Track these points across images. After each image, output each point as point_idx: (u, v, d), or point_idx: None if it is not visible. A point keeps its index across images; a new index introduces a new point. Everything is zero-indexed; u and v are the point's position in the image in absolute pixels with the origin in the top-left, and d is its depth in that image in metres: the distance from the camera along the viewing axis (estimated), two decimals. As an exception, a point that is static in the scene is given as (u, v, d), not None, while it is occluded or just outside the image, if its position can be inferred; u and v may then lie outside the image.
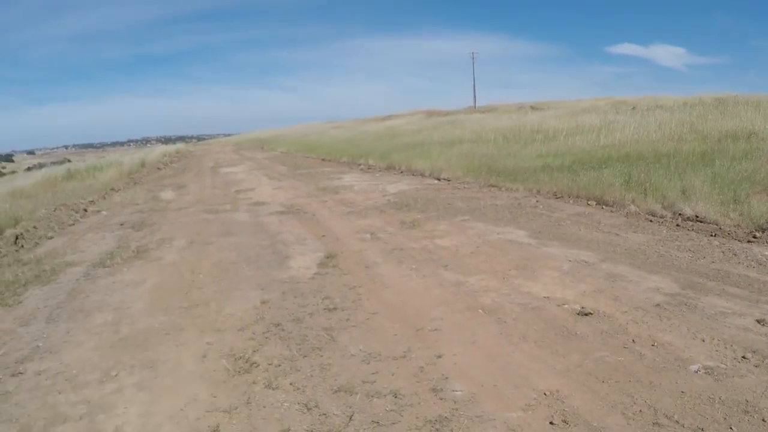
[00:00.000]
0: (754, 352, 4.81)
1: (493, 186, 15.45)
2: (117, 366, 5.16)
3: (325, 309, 6.30)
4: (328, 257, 8.51)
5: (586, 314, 5.78)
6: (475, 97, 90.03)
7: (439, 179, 17.91)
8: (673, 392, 4.21)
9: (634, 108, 33.92)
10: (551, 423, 3.88)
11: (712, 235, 8.62)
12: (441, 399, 4.27)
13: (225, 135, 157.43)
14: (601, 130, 22.40)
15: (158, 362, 5.21)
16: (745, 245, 8.01)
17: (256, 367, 4.96)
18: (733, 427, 3.75)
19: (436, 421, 3.96)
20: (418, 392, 4.38)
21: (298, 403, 4.31)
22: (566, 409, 4.05)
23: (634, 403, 4.10)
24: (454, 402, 4.22)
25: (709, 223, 9.23)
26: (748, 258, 7.38)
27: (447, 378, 4.59)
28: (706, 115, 22.69)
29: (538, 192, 13.68)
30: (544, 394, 4.28)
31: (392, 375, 4.69)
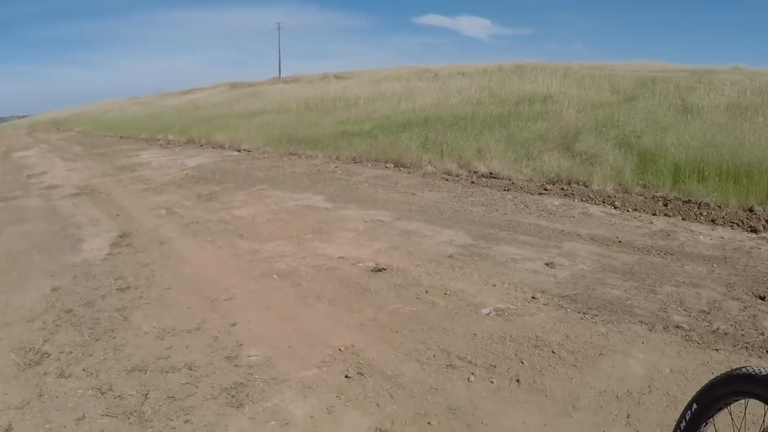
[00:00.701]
0: (543, 292, 5.41)
1: (293, 154, 15.91)
2: None
3: (117, 289, 6.16)
4: (121, 236, 8.32)
5: (379, 270, 6.12)
6: (280, 67, 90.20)
7: (239, 150, 18.37)
8: (465, 335, 4.60)
9: (436, 75, 35.51)
10: (347, 376, 4.09)
11: (505, 190, 9.46)
12: (236, 366, 4.34)
13: (19, 117, 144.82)
14: (402, 97, 23.44)
15: (-55, 369, 4.82)
16: (537, 197, 8.90)
17: (48, 357, 4.74)
18: (524, 361, 4.18)
19: (231, 388, 4.02)
20: (213, 362, 4.42)
21: (92, 389, 4.19)
22: (361, 362, 4.29)
23: (428, 349, 4.43)
24: (249, 367, 4.31)
25: (503, 179, 10.14)
26: (539, 208, 8.21)
27: (242, 345, 4.67)
28: (506, 80, 24.42)
29: (338, 158, 14.24)
30: (339, 349, 4.49)
31: (186, 348, 4.69)
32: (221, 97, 45.87)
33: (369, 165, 12.87)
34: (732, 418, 2.58)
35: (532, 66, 32.19)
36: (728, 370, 2.54)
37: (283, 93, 37.52)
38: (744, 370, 2.42)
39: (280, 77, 70.77)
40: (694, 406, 2.58)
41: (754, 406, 2.35)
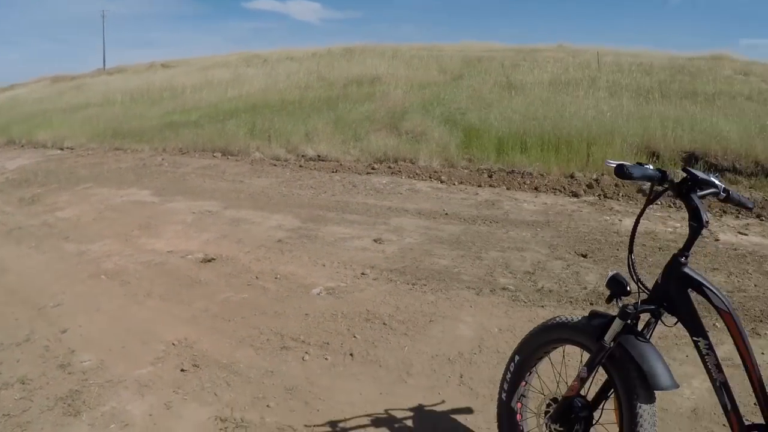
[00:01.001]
0: (373, 267, 5.65)
1: (118, 149, 15.42)
2: None
3: (-62, 309, 5.79)
4: (-61, 253, 7.76)
5: (209, 260, 6.11)
6: (104, 58, 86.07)
7: (62, 149, 17.42)
8: (297, 317, 4.71)
9: (265, 61, 35.30)
10: (182, 370, 4.07)
11: (333, 172, 9.68)
12: (69, 374, 4.21)
13: None
14: (230, 84, 23.23)
15: None
16: (365, 177, 9.18)
17: None
18: (356, 336, 4.35)
19: (67, 396, 3.90)
20: (46, 372, 4.26)
21: (-75, 419, 3.95)
22: (196, 354, 4.28)
23: (261, 333, 4.49)
24: (83, 373, 4.19)
25: (331, 161, 10.39)
26: (367, 187, 8.48)
27: (74, 351, 4.52)
28: (334, 63, 24.72)
29: (164, 150, 13.96)
30: (173, 344, 4.46)
31: (17, 362, 4.48)
32: (43, 93, 43.49)
33: (196, 155, 12.71)
34: (552, 364, 2.83)
35: (360, 48, 32.67)
36: (543, 321, 2.78)
37: (107, 85, 36.12)
38: (558, 319, 2.67)
39: (104, 68, 68.01)
40: (517, 357, 2.81)
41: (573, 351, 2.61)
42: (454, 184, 8.85)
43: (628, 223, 7.15)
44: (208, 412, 3.53)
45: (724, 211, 7.68)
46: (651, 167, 2.29)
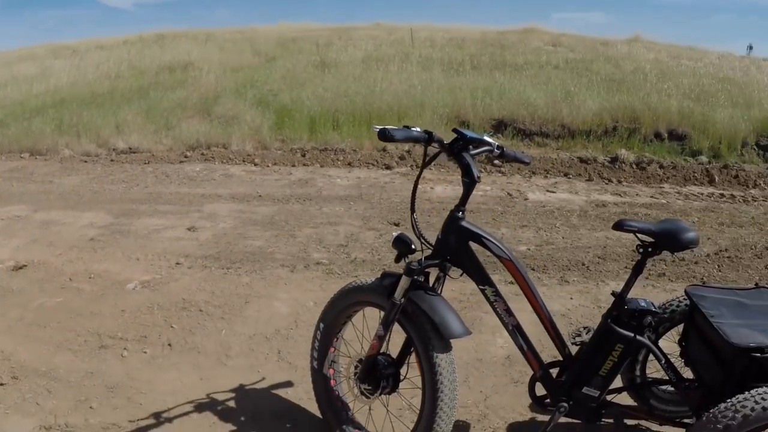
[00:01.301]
0: (187, 256, 5.69)
1: None
2: None
3: None
4: None
5: (20, 268, 5.86)
6: None
7: None
8: (114, 314, 4.66)
9: (74, 51, 33.67)
10: (1, 384, 3.93)
11: (146, 163, 9.52)
12: None
13: None
14: (36, 78, 21.95)
15: None
16: (178, 166, 9.11)
17: None
18: (174, 325, 4.39)
19: None
20: None
21: None
22: (14, 366, 4.11)
23: (79, 335, 4.40)
24: None
25: (143, 152, 10.22)
26: (180, 177, 8.44)
27: None
28: (146, 51, 23.97)
29: (-34, 156, 13.05)
30: (-11, 359, 4.31)
31: None
32: None
33: (2, 158, 11.94)
34: (354, 327, 3.01)
35: (173, 34, 31.77)
36: (341, 287, 2.95)
37: None
38: (353, 283, 2.85)
39: None
40: (321, 325, 2.97)
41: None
42: (267, 166, 8.99)
43: (440, 190, 7.55)
44: (31, 423, 3.44)
45: (533, 173, 8.27)
46: (418, 129, 2.45)
